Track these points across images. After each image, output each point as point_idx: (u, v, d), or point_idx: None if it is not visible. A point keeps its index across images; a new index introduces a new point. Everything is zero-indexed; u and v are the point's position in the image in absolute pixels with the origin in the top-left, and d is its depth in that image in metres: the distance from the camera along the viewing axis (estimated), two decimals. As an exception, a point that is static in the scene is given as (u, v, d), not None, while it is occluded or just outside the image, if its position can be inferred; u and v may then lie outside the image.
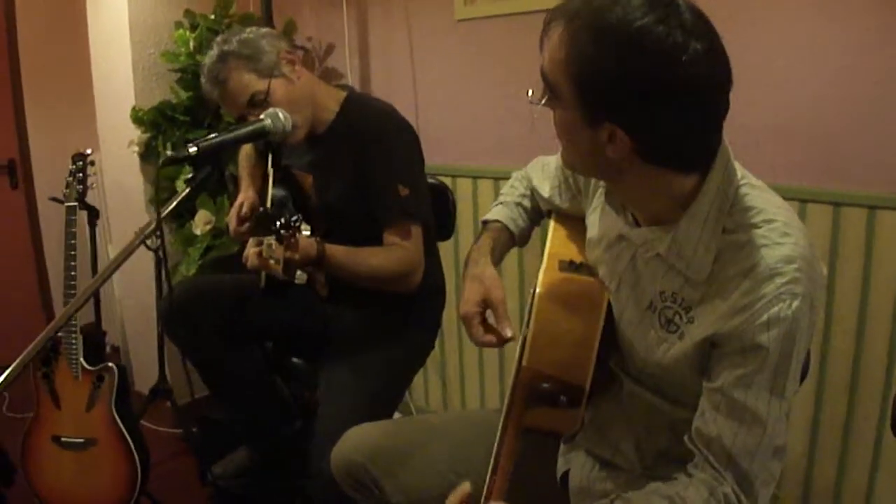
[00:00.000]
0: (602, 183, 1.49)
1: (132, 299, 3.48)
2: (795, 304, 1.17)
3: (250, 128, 1.90)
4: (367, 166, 2.15)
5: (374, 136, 2.17)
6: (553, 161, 1.73)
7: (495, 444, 1.33)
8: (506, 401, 1.41)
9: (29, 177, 4.05)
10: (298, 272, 1.86)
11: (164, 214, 1.53)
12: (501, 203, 1.81)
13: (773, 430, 1.22)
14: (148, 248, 3.07)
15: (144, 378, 2.92)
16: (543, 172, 1.76)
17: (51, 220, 4.06)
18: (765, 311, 1.17)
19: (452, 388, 3.31)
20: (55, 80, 3.95)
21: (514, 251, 1.86)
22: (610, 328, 1.40)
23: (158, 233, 1.56)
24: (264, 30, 2.24)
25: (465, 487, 1.29)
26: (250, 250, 1.95)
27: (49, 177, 3.99)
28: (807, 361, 1.68)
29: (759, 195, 1.27)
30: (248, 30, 2.21)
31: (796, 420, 2.37)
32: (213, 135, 1.70)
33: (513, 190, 1.83)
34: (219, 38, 2.19)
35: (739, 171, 1.28)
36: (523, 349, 1.38)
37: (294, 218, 1.80)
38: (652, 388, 1.40)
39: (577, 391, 1.32)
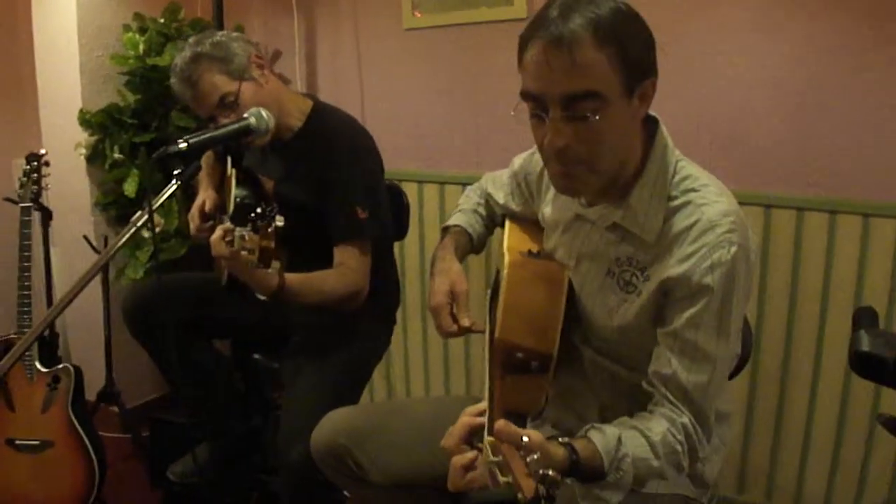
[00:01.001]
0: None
1: (77, 303, 3.44)
2: (734, 249, 1.36)
3: (236, 126, 1.94)
4: (329, 184, 2.19)
5: (339, 155, 2.20)
6: (504, 173, 1.90)
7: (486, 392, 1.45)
8: (486, 374, 1.52)
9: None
10: (273, 262, 1.91)
11: (154, 208, 1.57)
12: (460, 211, 1.96)
13: (721, 368, 1.41)
14: (95, 249, 3.10)
15: (91, 383, 2.91)
16: (496, 184, 1.93)
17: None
18: (708, 256, 1.36)
19: (398, 384, 3.37)
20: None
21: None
22: (571, 305, 1.54)
23: (150, 225, 1.59)
24: (235, 34, 2.28)
25: (481, 406, 1.40)
26: (218, 241, 1.97)
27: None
28: (748, 349, 1.83)
29: (693, 167, 1.47)
30: (220, 33, 2.25)
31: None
32: (201, 132, 1.75)
33: (468, 199, 1.98)
34: (191, 40, 2.21)
35: (676, 151, 1.49)
36: (494, 326, 1.51)
37: (270, 208, 1.85)
38: (612, 357, 1.56)
39: (546, 358, 1.45)
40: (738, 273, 1.37)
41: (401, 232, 2.63)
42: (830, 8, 2.22)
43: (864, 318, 1.27)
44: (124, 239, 1.57)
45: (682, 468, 1.39)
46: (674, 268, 1.39)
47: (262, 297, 2.04)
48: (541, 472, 1.01)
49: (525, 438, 1.10)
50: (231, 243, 1.84)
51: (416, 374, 3.30)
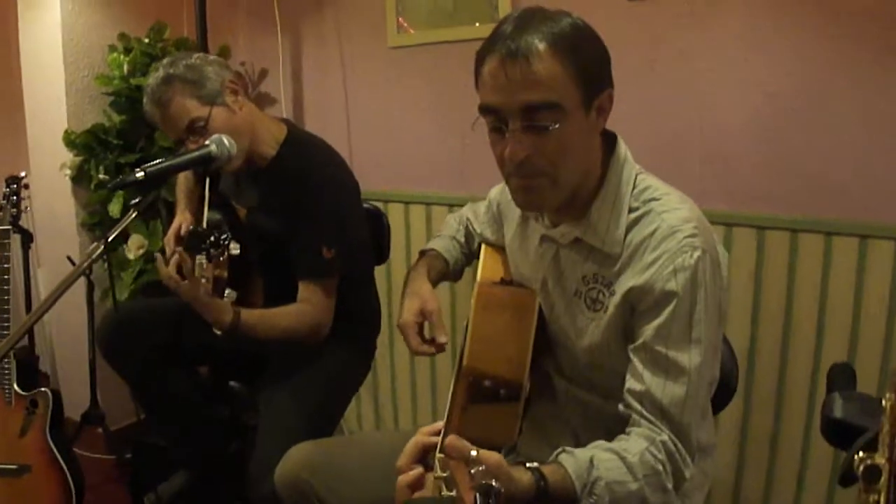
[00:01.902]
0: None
1: (63, 324, 3.44)
2: (696, 254, 1.35)
3: (196, 153, 1.91)
4: (296, 219, 2.17)
5: (308, 190, 2.17)
6: (482, 204, 1.93)
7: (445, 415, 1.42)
8: (448, 398, 1.50)
9: (-47, 200, 3.95)
10: (228, 290, 1.88)
11: (110, 238, 1.54)
12: (438, 237, 1.97)
13: (696, 378, 1.36)
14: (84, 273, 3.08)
15: (75, 404, 2.89)
16: (475, 213, 1.96)
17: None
18: (670, 262, 1.35)
19: (385, 411, 3.33)
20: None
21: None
22: (542, 333, 1.53)
23: (104, 257, 1.56)
24: (212, 57, 2.25)
25: (437, 426, 1.36)
26: (171, 269, 1.96)
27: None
28: (734, 381, 1.79)
29: (654, 180, 1.48)
30: (196, 56, 2.21)
31: (725, 434, 2.44)
32: (159, 160, 1.72)
33: (448, 226, 1.99)
34: (165, 61, 2.18)
35: (636, 165, 1.49)
36: (462, 354, 1.49)
37: (224, 236, 1.82)
38: (585, 386, 1.54)
39: (515, 386, 1.43)
40: (703, 278, 1.36)
41: (381, 256, 2.60)
42: (823, 24, 2.18)
43: (839, 377, 1.22)
44: (80, 271, 1.55)
45: (665, 490, 1.33)
46: (636, 277, 1.38)
47: (218, 332, 2.01)
48: (483, 481, 0.98)
49: (473, 453, 1.08)
50: (182, 273, 1.82)
51: (404, 397, 3.27)
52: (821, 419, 1.19)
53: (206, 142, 1.96)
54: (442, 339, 1.63)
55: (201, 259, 1.79)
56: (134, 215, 1.58)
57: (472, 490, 0.97)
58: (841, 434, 1.14)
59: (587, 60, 1.34)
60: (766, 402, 2.40)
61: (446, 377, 3.09)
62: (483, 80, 1.37)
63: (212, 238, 1.75)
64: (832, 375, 1.25)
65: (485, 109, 1.38)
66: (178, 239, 2.35)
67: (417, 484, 1.24)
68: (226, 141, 1.98)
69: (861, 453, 0.89)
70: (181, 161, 1.85)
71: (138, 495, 2.77)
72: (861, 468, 0.88)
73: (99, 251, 1.55)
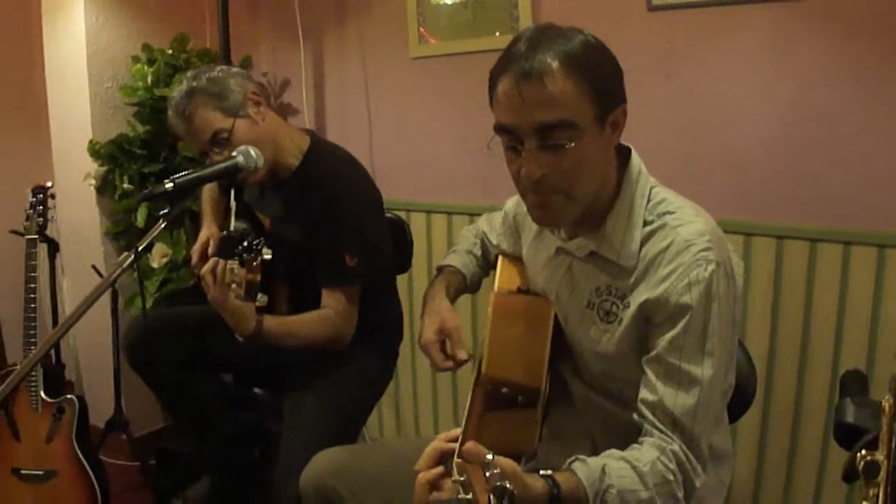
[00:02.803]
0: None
1: (87, 332, 3.48)
2: (711, 267, 1.37)
3: (223, 165, 1.94)
4: (319, 228, 2.20)
5: (331, 199, 2.20)
6: (498, 215, 1.96)
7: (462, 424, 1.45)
8: (466, 406, 1.54)
9: (-24, 209, 4.01)
10: (259, 295, 1.91)
11: (140, 248, 1.57)
12: (455, 251, 2.00)
13: (709, 389, 1.38)
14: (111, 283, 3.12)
15: (100, 411, 2.93)
16: (490, 225, 1.99)
17: (1, 253, 4.03)
18: (685, 275, 1.37)
19: (406, 418, 3.35)
20: (6, 112, 3.93)
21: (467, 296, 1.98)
22: (558, 339, 1.56)
23: (134, 266, 1.59)
24: (234, 69, 2.28)
25: (455, 432, 1.39)
26: (206, 274, 1.98)
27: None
28: (752, 388, 1.80)
29: (668, 193, 1.50)
30: (219, 68, 2.25)
31: (743, 444, 2.45)
32: (187, 171, 1.75)
33: (465, 240, 2.02)
34: (189, 74, 2.22)
35: (651, 178, 1.51)
36: (481, 363, 1.53)
37: (257, 241, 1.85)
38: (602, 392, 1.56)
39: (533, 391, 1.46)
40: (717, 291, 1.38)
41: (403, 265, 2.63)
42: (843, 36, 2.19)
43: (851, 384, 1.24)
44: (110, 280, 1.58)
45: (676, 499, 1.36)
46: (651, 290, 1.40)
47: (241, 339, 2.05)
48: (498, 484, 1.00)
49: (489, 457, 1.09)
50: (216, 279, 1.85)
51: (425, 405, 3.28)
52: (834, 424, 1.21)
53: (233, 153, 1.99)
54: (462, 356, 1.67)
55: (233, 264, 1.82)
56: (163, 225, 1.61)
57: (487, 491, 1.00)
58: (853, 438, 1.17)
59: (600, 77, 1.36)
60: (784, 411, 2.40)
61: (467, 384, 3.08)
62: (498, 100, 1.39)
63: (245, 243, 1.78)
64: (845, 381, 1.28)
65: (500, 129, 1.40)
66: (205, 256, 2.37)
67: (436, 483, 1.27)
68: (252, 152, 2.01)
69: (863, 451, 0.93)
70: (209, 172, 1.88)
71: (162, 502, 2.80)
72: (862, 464, 0.92)
73: (129, 261, 1.58)
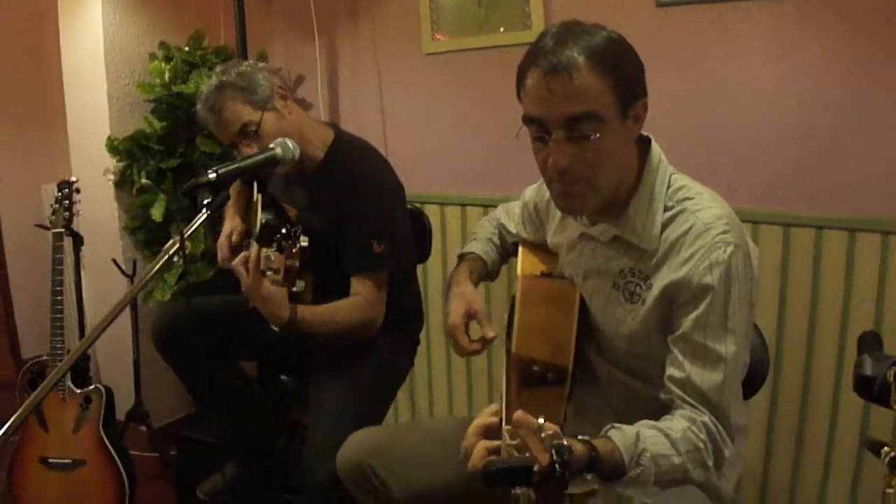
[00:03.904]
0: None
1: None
2: (730, 249, 1.44)
3: (263, 156, 1.98)
4: (346, 217, 2.25)
5: (357, 188, 2.26)
6: (516, 205, 2.00)
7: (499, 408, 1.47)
8: (503, 386, 1.60)
9: (-6, 204, 4.05)
10: (297, 281, 1.95)
11: (186, 236, 1.62)
12: (475, 239, 2.06)
13: (733, 365, 1.46)
14: (124, 273, 3.17)
15: (119, 403, 2.97)
16: (508, 214, 2.04)
17: (15, 247, 4.08)
18: (706, 257, 1.44)
19: (421, 403, 3.40)
20: (22, 110, 3.97)
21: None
22: (584, 319, 1.63)
23: (182, 253, 1.64)
24: (261, 64, 2.33)
25: (494, 407, 1.44)
26: (239, 266, 2.03)
27: (14, 204, 4.01)
28: (765, 367, 1.86)
29: (687, 180, 1.57)
30: (246, 63, 2.31)
31: (753, 423, 2.48)
32: (228, 162, 1.80)
33: (483, 229, 2.08)
34: (218, 69, 2.28)
35: (670, 166, 1.58)
36: (510, 344, 1.60)
37: (295, 228, 1.90)
38: (625, 369, 1.63)
39: (561, 369, 1.53)
40: (737, 271, 1.45)
41: (423, 255, 2.70)
42: (846, 27, 2.24)
43: (868, 343, 1.31)
44: (158, 266, 1.62)
45: (707, 467, 1.42)
46: (674, 273, 1.47)
47: (275, 328, 2.10)
48: (555, 442, 1.05)
49: (541, 420, 1.16)
50: (248, 270, 1.90)
51: (440, 393, 3.34)
52: (853, 378, 1.29)
53: (271, 144, 2.04)
54: (491, 333, 1.71)
55: (269, 252, 1.87)
56: (207, 214, 1.66)
57: (547, 450, 1.05)
58: (872, 389, 1.24)
59: (624, 72, 1.43)
60: (792, 393, 2.47)
61: (482, 370, 3.16)
62: (526, 92, 1.46)
63: (283, 230, 1.83)
64: (862, 341, 1.34)
65: (528, 120, 1.47)
66: (232, 247, 2.42)
67: (496, 450, 1.30)
68: (290, 143, 2.05)
69: (887, 448, 1.00)
70: (249, 163, 1.92)
71: (184, 491, 2.85)
72: (887, 459, 0.98)
73: (175, 247, 1.63)
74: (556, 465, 1.03)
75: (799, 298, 2.42)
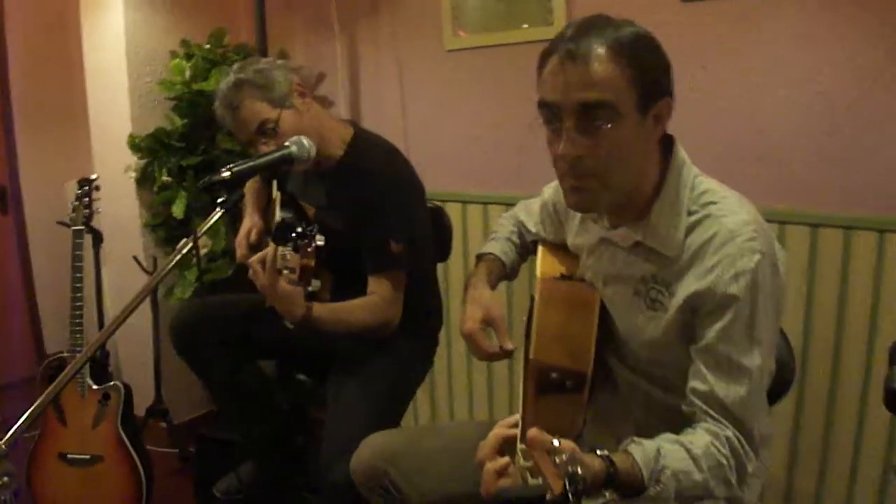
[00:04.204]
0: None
1: (127, 322, 3.52)
2: (756, 257, 1.37)
3: (278, 154, 1.97)
4: (364, 216, 2.23)
5: (376, 187, 2.24)
6: (535, 202, 1.95)
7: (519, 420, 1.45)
8: (520, 392, 1.55)
9: (19, 202, 4.09)
10: (313, 280, 1.94)
11: (200, 235, 1.62)
12: (493, 239, 2.00)
13: (758, 378, 1.41)
14: (144, 270, 3.18)
15: (140, 399, 2.98)
16: (528, 212, 1.98)
17: (39, 244, 4.11)
18: (731, 266, 1.37)
19: (441, 405, 3.39)
20: (46, 108, 4.01)
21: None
22: (603, 325, 1.57)
23: (195, 252, 1.64)
24: (280, 62, 2.33)
25: (514, 419, 1.41)
26: (255, 264, 2.03)
27: (38, 202, 4.05)
28: (790, 373, 1.82)
29: (712, 183, 1.50)
30: (264, 60, 2.30)
31: (778, 429, 2.45)
32: (243, 160, 1.79)
33: (502, 227, 2.03)
34: (235, 66, 2.27)
35: (694, 168, 1.52)
36: (528, 348, 1.54)
37: (310, 227, 1.89)
38: (646, 377, 1.58)
39: (580, 376, 1.47)
40: (763, 280, 1.39)
41: (443, 254, 2.67)
42: (876, 23, 2.20)
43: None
44: (171, 265, 1.62)
45: (729, 483, 1.37)
46: (698, 282, 1.41)
47: (290, 326, 2.09)
48: (569, 469, 1.03)
49: (556, 442, 1.12)
50: (264, 268, 1.89)
51: (460, 394, 3.32)
52: (884, 392, 1.24)
53: (286, 143, 2.02)
54: (509, 346, 1.67)
55: (285, 250, 1.86)
56: (221, 213, 1.65)
57: (560, 478, 1.02)
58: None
59: (646, 67, 1.38)
60: (818, 397, 2.42)
61: (502, 370, 3.15)
62: (543, 79, 1.42)
63: (299, 229, 1.82)
64: (894, 353, 1.30)
65: (541, 104, 1.42)
66: (250, 246, 2.42)
67: (504, 471, 1.28)
68: (305, 142, 2.04)
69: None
70: (264, 161, 1.91)
71: (203, 487, 2.85)
72: None
73: (189, 247, 1.62)
74: (570, 495, 1.00)
75: (826, 302, 2.37)
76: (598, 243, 1.63)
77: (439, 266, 2.63)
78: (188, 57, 3.30)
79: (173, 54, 3.34)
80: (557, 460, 1.07)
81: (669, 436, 1.37)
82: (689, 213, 1.46)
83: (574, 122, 1.37)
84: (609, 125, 1.36)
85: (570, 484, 1.01)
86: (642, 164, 1.47)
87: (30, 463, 2.70)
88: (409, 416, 3.42)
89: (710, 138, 2.45)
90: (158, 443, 3.34)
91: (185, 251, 1.63)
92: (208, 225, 1.63)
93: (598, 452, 1.24)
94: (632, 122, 1.38)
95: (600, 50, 1.35)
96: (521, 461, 1.12)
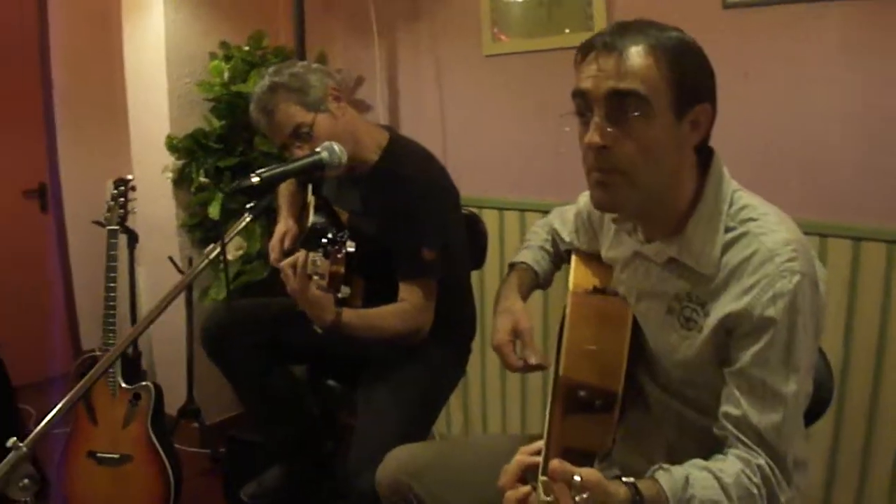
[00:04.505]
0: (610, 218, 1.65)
1: (161, 322, 3.54)
2: (795, 279, 1.31)
3: (309, 160, 1.95)
4: (398, 222, 2.21)
5: (410, 194, 2.22)
6: (570, 210, 1.91)
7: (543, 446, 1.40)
8: (546, 412, 1.51)
9: (59, 200, 4.13)
10: (343, 287, 1.93)
11: (227, 241, 1.61)
12: (526, 247, 1.96)
13: (794, 405, 1.35)
14: (179, 270, 3.19)
15: (172, 399, 2.99)
16: (562, 220, 1.94)
17: (79, 243, 4.15)
18: (769, 287, 1.32)
19: (474, 415, 3.36)
20: (88, 107, 4.06)
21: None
22: (636, 342, 1.52)
23: (222, 258, 1.62)
24: (315, 65, 2.31)
25: (538, 445, 1.37)
26: (286, 268, 2.01)
27: (79, 200, 4.09)
28: (829, 392, 1.77)
29: (751, 197, 1.45)
30: (300, 64, 2.29)
31: (815, 449, 2.40)
32: (273, 166, 1.77)
33: (536, 236, 1.99)
34: (270, 70, 2.26)
35: (733, 182, 1.46)
36: (558, 364, 1.49)
37: (341, 234, 1.87)
38: (679, 397, 1.52)
39: (610, 396, 1.43)
40: (803, 303, 1.33)
41: (479, 261, 2.65)
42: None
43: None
44: (197, 272, 1.61)
45: None
46: (734, 302, 1.36)
47: (319, 330, 2.07)
48: None
49: (577, 478, 1.08)
50: (296, 272, 1.88)
51: (494, 403, 3.29)
52: None
53: (318, 149, 2.01)
54: (532, 360, 1.62)
55: (315, 256, 1.85)
56: (249, 219, 1.64)
57: None
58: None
59: (685, 69, 1.34)
60: (858, 416, 2.36)
61: (536, 381, 3.12)
62: (578, 71, 1.39)
63: (329, 235, 1.81)
64: None
65: (574, 94, 1.39)
66: (283, 252, 2.41)
67: (525, 500, 1.25)
68: (336, 148, 2.02)
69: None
70: (294, 167, 1.89)
71: (232, 489, 2.85)
72: None
73: (216, 252, 1.61)
74: None
75: (868, 317, 2.31)
76: (631, 257, 1.58)
77: (475, 274, 2.60)
78: (227, 59, 3.31)
79: (212, 56, 3.35)
80: (578, 499, 1.04)
81: (699, 462, 1.33)
82: (727, 230, 1.40)
83: (605, 111, 1.34)
84: (638, 115, 1.32)
85: None
86: (675, 171, 1.41)
87: (60, 460, 2.70)
88: (442, 424, 3.41)
89: (750, 148, 2.40)
90: (190, 443, 3.36)
91: (212, 257, 1.62)
92: (235, 231, 1.62)
93: (624, 480, 1.21)
94: (665, 121, 1.34)
95: (639, 45, 1.33)
96: (542, 496, 1.10)
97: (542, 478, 1.17)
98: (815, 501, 2.48)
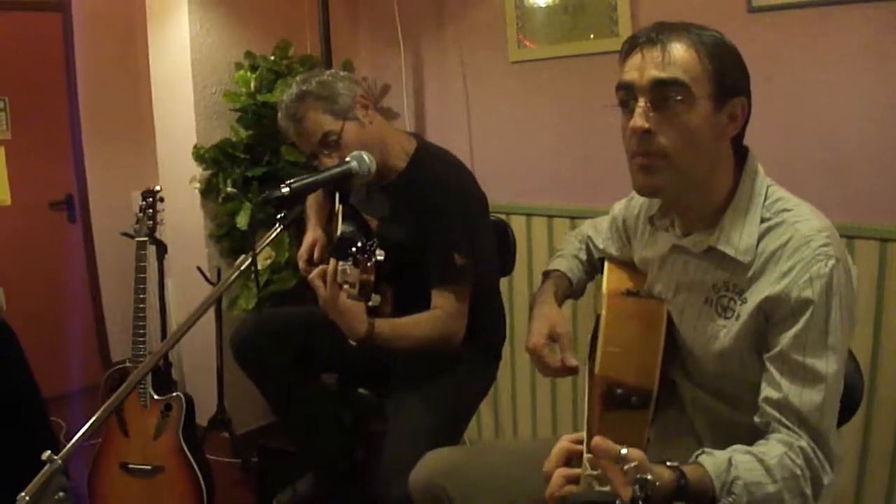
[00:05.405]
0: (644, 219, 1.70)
1: (191, 333, 3.54)
2: (831, 262, 1.36)
3: (338, 170, 1.96)
4: (428, 228, 2.21)
5: (440, 200, 2.22)
6: (604, 220, 1.95)
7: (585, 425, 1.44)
8: (585, 407, 1.53)
9: (86, 211, 4.16)
10: (373, 295, 1.92)
11: (258, 252, 1.60)
12: (560, 256, 1.99)
13: (833, 384, 1.37)
14: (208, 281, 3.20)
15: (203, 410, 2.99)
16: (596, 230, 1.98)
17: (106, 254, 4.17)
18: (805, 270, 1.36)
19: (505, 420, 3.35)
20: (114, 118, 4.09)
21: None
22: (670, 340, 1.55)
23: (253, 269, 1.62)
24: (343, 73, 2.31)
25: (579, 435, 1.38)
26: (316, 280, 2.01)
27: (105, 211, 4.11)
28: (859, 393, 1.75)
29: (784, 192, 1.51)
30: (328, 72, 2.29)
31: (846, 448, 2.36)
32: (303, 176, 1.77)
33: (569, 244, 2.02)
34: (298, 78, 2.26)
35: (767, 178, 1.53)
36: (593, 364, 1.53)
37: (370, 242, 1.87)
38: (712, 392, 1.55)
39: (646, 393, 1.45)
40: (838, 285, 1.37)
41: (506, 267, 2.64)
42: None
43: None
44: (229, 282, 1.61)
45: (805, 496, 1.33)
46: (772, 286, 1.40)
47: (353, 342, 2.06)
48: (638, 476, 1.02)
49: (623, 451, 1.10)
50: (326, 282, 1.88)
51: (524, 409, 3.28)
52: None
53: (347, 158, 2.01)
54: (572, 362, 1.65)
55: (345, 265, 1.84)
56: (280, 229, 1.64)
57: (629, 484, 1.01)
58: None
59: (724, 64, 1.41)
60: (888, 416, 2.35)
61: (566, 387, 3.11)
62: (623, 66, 1.46)
63: (359, 244, 1.80)
64: None
65: (619, 86, 1.46)
66: (311, 261, 2.40)
67: (573, 479, 1.25)
68: (366, 157, 2.02)
69: None
70: (324, 177, 1.89)
71: (263, 499, 2.85)
72: None
73: (247, 263, 1.61)
74: (640, 502, 0.99)
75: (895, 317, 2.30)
76: (669, 252, 1.61)
77: (503, 280, 2.59)
78: (253, 68, 3.31)
79: (238, 66, 3.36)
80: (626, 468, 1.06)
81: (741, 446, 1.35)
82: (763, 220, 1.46)
83: (648, 99, 1.40)
84: (681, 100, 1.38)
85: (640, 490, 1.00)
86: (714, 160, 1.47)
87: (92, 472, 2.71)
88: (473, 430, 3.41)
89: (775, 150, 2.35)
90: (221, 453, 3.35)
91: (243, 268, 1.61)
92: (267, 242, 1.61)
93: (668, 464, 1.23)
94: (705, 109, 1.40)
95: (681, 40, 1.40)
96: (588, 469, 1.11)
97: (587, 455, 1.18)
98: (846, 500, 2.47)
